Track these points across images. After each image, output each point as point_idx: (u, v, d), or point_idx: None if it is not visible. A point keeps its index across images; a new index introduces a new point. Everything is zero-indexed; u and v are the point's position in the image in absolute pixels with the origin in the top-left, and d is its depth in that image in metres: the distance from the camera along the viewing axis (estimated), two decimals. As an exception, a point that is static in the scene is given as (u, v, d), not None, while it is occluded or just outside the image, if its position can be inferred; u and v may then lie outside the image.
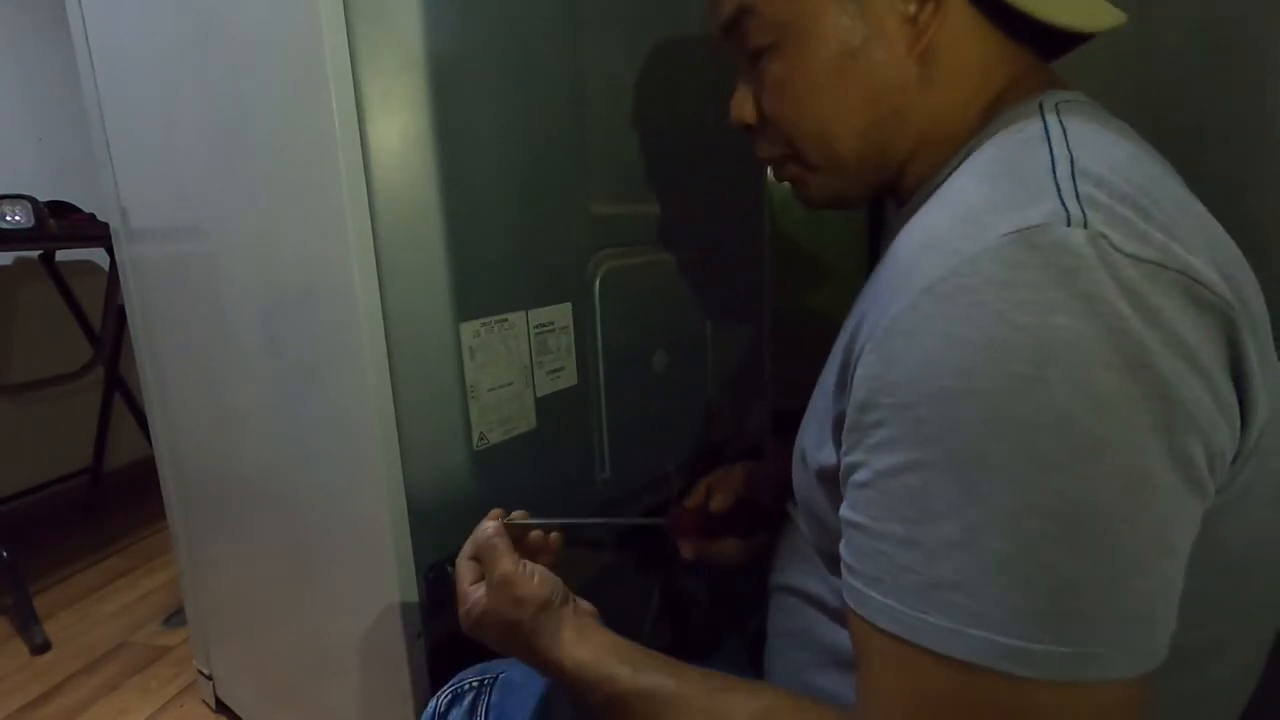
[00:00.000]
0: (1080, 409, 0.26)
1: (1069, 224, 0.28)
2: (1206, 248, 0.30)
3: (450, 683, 0.56)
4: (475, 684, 0.55)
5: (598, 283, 0.79)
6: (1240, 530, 0.32)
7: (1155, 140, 0.38)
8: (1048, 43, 0.42)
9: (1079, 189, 0.29)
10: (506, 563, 0.47)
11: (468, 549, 0.51)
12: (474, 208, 0.65)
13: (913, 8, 0.39)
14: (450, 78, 0.62)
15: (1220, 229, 0.33)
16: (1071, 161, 0.31)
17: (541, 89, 0.71)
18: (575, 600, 0.47)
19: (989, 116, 0.40)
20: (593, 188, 0.78)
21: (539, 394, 0.74)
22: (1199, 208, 0.33)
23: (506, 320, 0.70)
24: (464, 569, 0.51)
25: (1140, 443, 0.26)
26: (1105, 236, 0.27)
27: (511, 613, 0.46)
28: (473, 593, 0.48)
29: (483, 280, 0.67)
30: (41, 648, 1.31)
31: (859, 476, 0.31)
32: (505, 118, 0.67)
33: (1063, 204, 0.29)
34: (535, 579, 0.46)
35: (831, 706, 0.36)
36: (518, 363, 0.71)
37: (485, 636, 0.48)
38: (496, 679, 0.55)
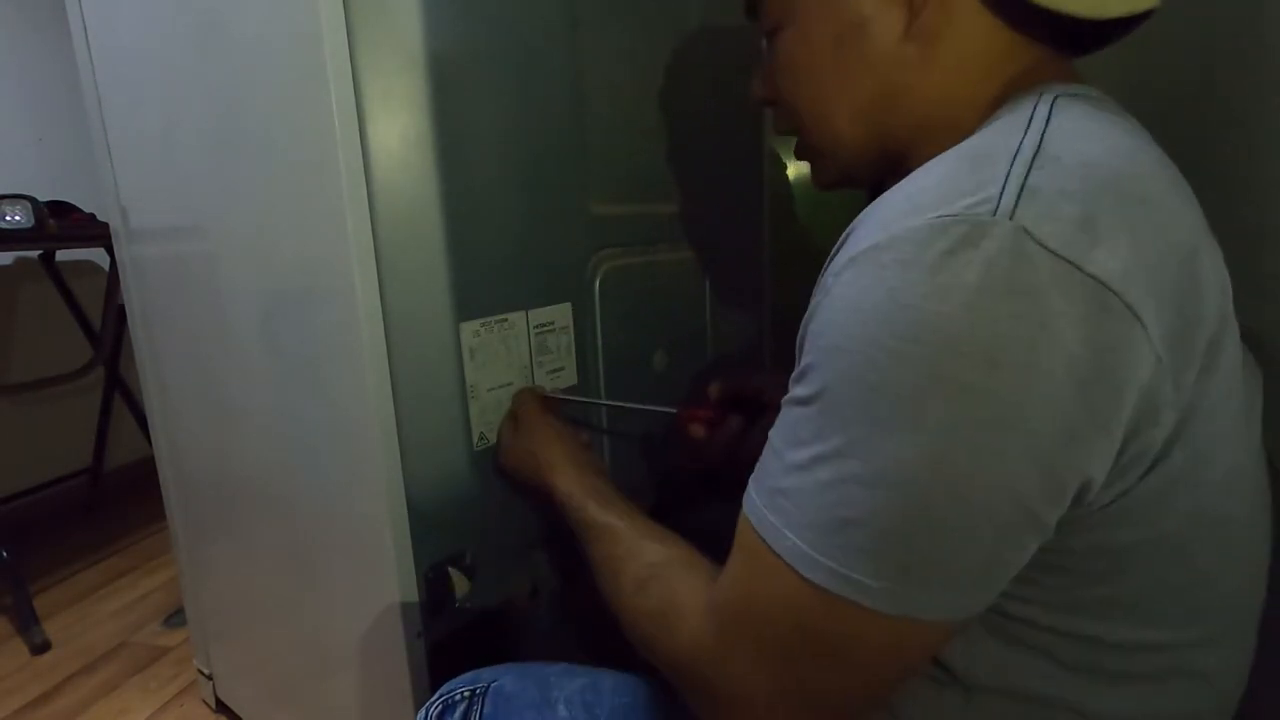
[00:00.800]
0: (917, 386, 0.29)
1: (995, 213, 0.29)
2: (1149, 259, 0.30)
3: (440, 692, 0.55)
4: (467, 694, 0.54)
5: (598, 283, 0.79)
6: (1181, 525, 0.33)
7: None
8: (1068, 36, 0.41)
9: (1029, 178, 0.30)
10: (534, 408, 0.66)
11: (509, 415, 0.69)
12: (474, 208, 0.65)
13: None
14: (450, 78, 0.62)
15: (1184, 237, 0.33)
16: (1038, 148, 0.32)
17: (541, 89, 0.71)
18: (581, 443, 0.61)
19: (996, 107, 0.40)
20: (593, 188, 0.78)
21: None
22: (1163, 214, 0.32)
23: (506, 320, 0.70)
24: (505, 425, 0.68)
25: (962, 432, 0.29)
26: (1027, 231, 0.28)
27: (531, 442, 0.63)
28: (506, 438, 0.67)
29: (483, 280, 0.67)
30: (41, 648, 1.31)
31: (784, 398, 0.36)
32: (505, 118, 0.67)
33: (1001, 191, 0.30)
34: (552, 420, 0.63)
35: (711, 571, 0.41)
36: (518, 363, 0.71)
37: (510, 464, 0.65)
38: (488, 689, 0.54)
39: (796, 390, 0.34)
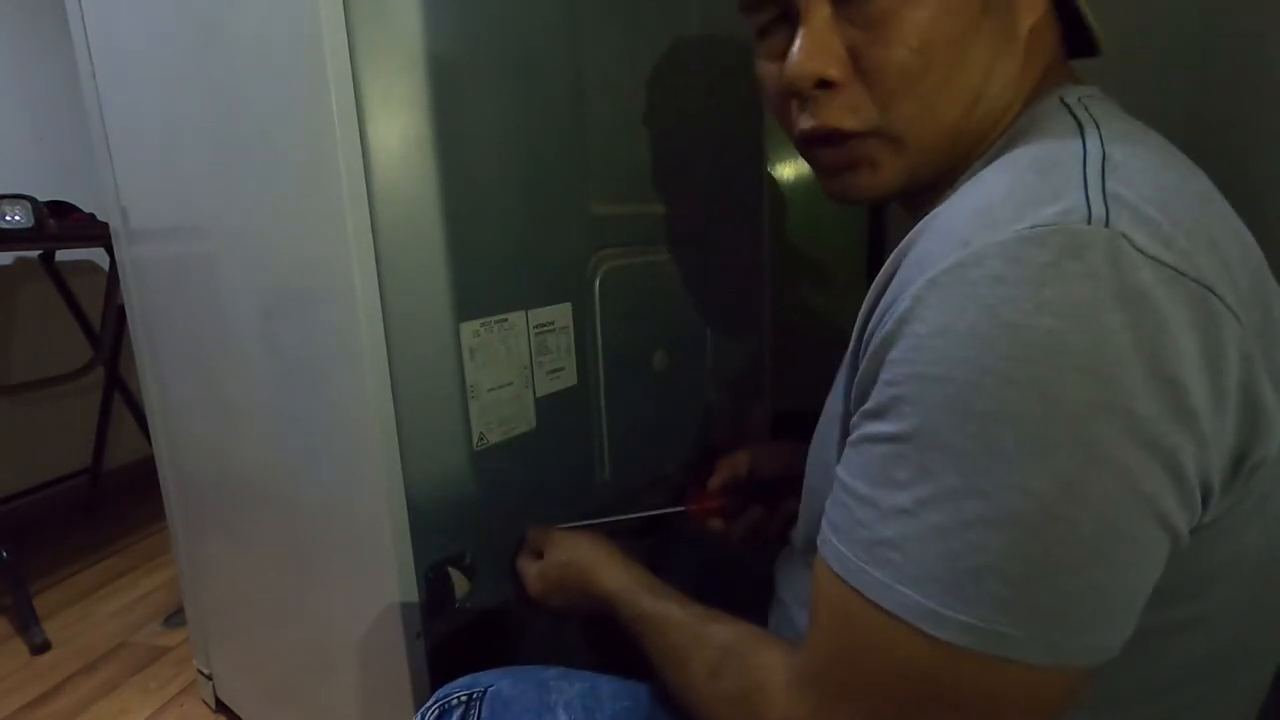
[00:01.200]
0: (1039, 410, 0.27)
1: (1089, 221, 0.27)
2: (1230, 257, 0.29)
3: (435, 697, 0.54)
4: (463, 699, 0.53)
5: (598, 283, 0.79)
6: (1262, 540, 0.32)
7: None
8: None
9: (1107, 185, 0.29)
10: (557, 535, 0.64)
11: (524, 551, 0.68)
12: (474, 208, 0.65)
13: None
14: (450, 78, 0.62)
15: (1245, 233, 0.32)
16: (1103, 157, 0.30)
17: (541, 89, 0.71)
18: (611, 547, 0.59)
19: (1022, 108, 0.39)
20: (593, 188, 0.78)
21: (539, 394, 0.74)
22: (1225, 210, 0.33)
23: (506, 320, 0.70)
24: (525, 565, 0.66)
25: (1093, 453, 0.27)
26: (1126, 237, 0.27)
27: (566, 555, 0.61)
28: (533, 567, 0.64)
29: (483, 280, 0.67)
30: (41, 648, 1.31)
31: (852, 437, 0.34)
32: (505, 118, 0.67)
33: (1087, 199, 0.28)
34: (579, 537, 0.61)
35: (786, 642, 0.39)
36: (517, 363, 0.71)
37: (549, 589, 0.62)
38: (485, 693, 0.53)
39: (881, 426, 0.31)
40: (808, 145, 0.43)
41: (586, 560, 0.58)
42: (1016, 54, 0.38)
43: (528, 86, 0.69)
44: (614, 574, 0.55)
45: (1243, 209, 0.33)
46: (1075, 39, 0.42)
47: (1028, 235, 0.28)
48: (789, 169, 1.21)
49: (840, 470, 0.34)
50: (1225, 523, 0.31)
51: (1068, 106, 0.35)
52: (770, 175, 1.08)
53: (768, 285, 1.10)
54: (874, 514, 0.31)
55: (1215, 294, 0.28)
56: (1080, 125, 0.33)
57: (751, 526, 0.67)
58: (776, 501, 0.68)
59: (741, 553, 0.68)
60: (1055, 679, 0.29)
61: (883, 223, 1.18)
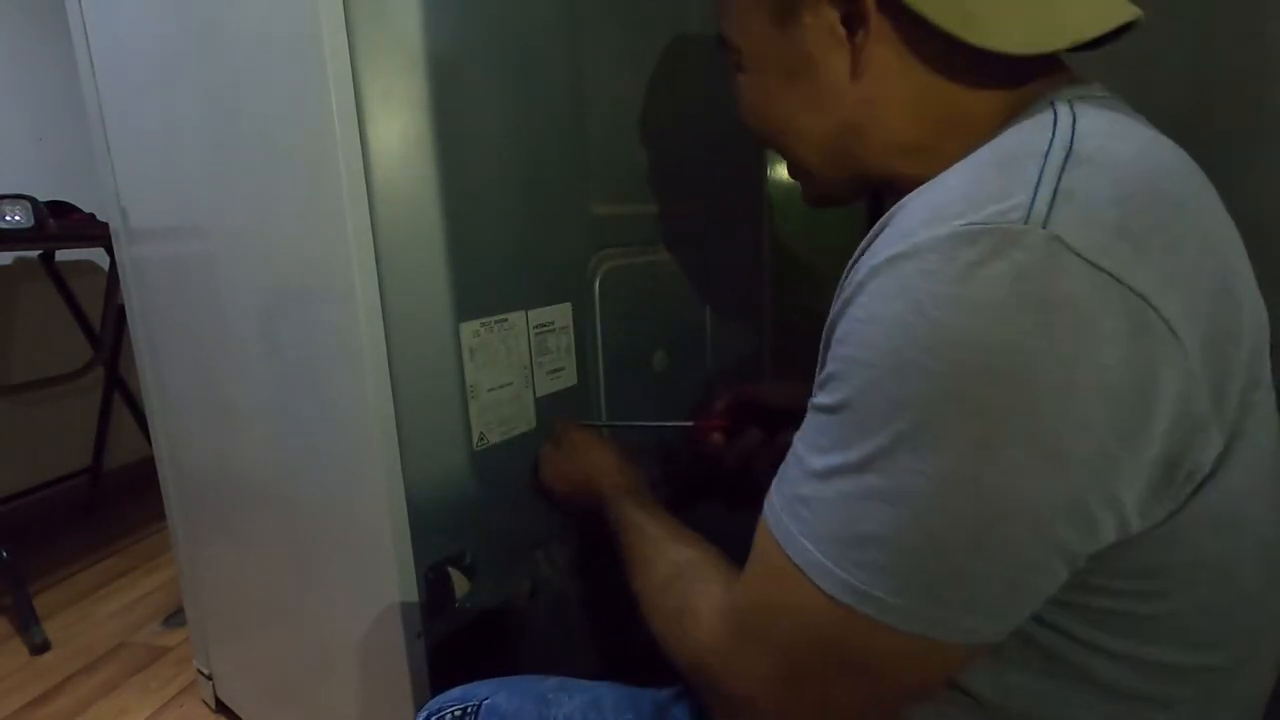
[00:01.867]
0: (944, 403, 0.28)
1: (1027, 220, 0.28)
2: (1192, 263, 0.29)
3: (429, 709, 0.53)
4: (458, 713, 0.52)
5: (598, 283, 0.79)
6: (1222, 547, 0.32)
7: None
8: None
9: (1062, 182, 0.29)
10: (574, 428, 0.71)
11: (548, 439, 0.73)
12: (474, 208, 0.65)
13: (844, 32, 0.40)
14: (450, 78, 0.62)
15: (1225, 239, 0.32)
16: (1069, 151, 0.30)
17: (541, 89, 0.71)
18: (619, 454, 0.64)
19: (1012, 112, 0.39)
20: (593, 188, 0.78)
21: (539, 394, 0.74)
22: (1202, 212, 0.32)
23: (506, 320, 0.70)
24: (544, 451, 0.72)
25: (987, 452, 0.28)
26: (1061, 240, 0.27)
27: (574, 452, 0.68)
28: (550, 455, 0.70)
29: (483, 280, 0.67)
30: (41, 648, 1.31)
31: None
32: (505, 118, 0.67)
33: (1034, 197, 0.28)
34: (593, 435, 0.69)
35: (730, 574, 0.42)
36: (517, 363, 0.71)
37: (557, 477, 0.69)
38: (480, 706, 0.52)
39: (820, 397, 0.34)
40: None
41: (593, 459, 0.65)
42: (899, 95, 0.40)
43: (528, 86, 0.69)
44: (612, 478, 0.61)
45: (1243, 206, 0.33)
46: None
47: (962, 231, 0.28)
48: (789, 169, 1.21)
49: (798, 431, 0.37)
50: (1176, 526, 0.31)
51: (1053, 104, 0.35)
52: (770, 175, 1.08)
53: (768, 285, 1.10)
54: (799, 472, 0.34)
55: (1151, 305, 0.27)
56: (1057, 120, 0.33)
57: (746, 449, 0.69)
58: (776, 431, 0.69)
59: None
60: (922, 647, 0.30)
61: (883, 223, 1.18)
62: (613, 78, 0.79)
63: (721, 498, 0.79)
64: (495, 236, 0.68)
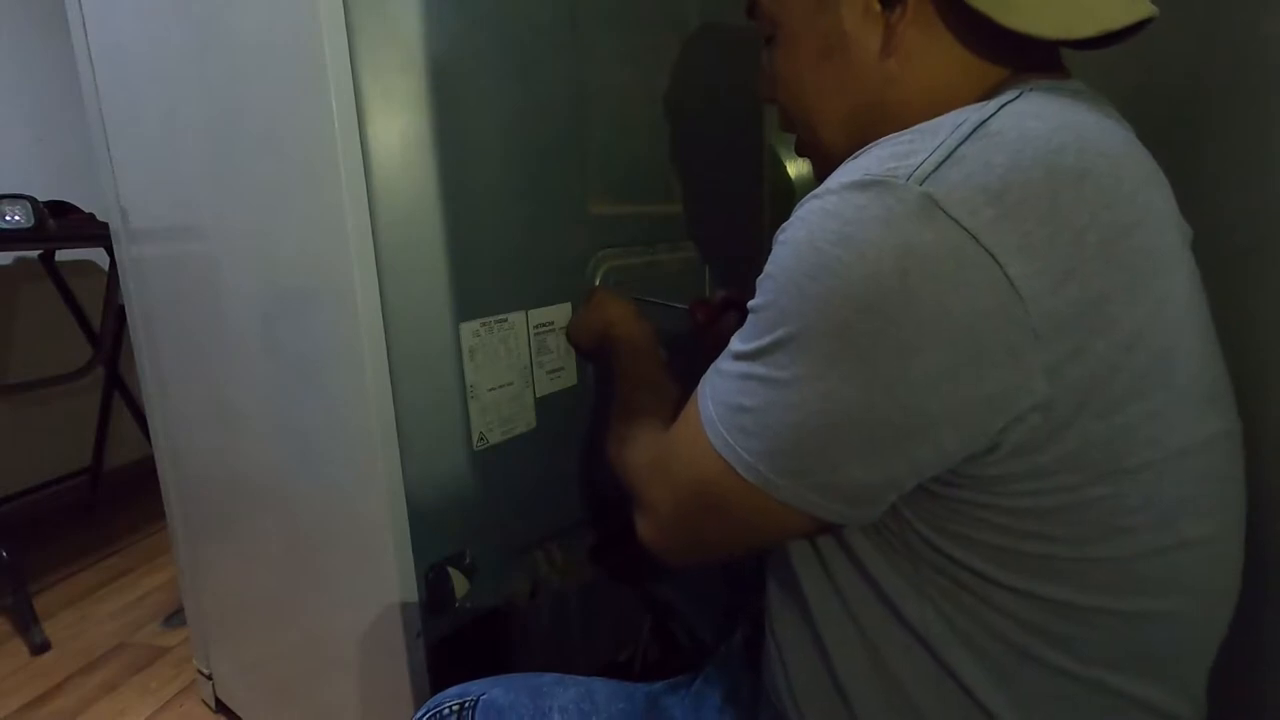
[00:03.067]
0: (812, 319, 0.33)
1: (909, 178, 0.32)
2: (1069, 233, 0.31)
3: (427, 707, 0.54)
4: (455, 708, 0.53)
5: (597, 283, 0.79)
6: (1120, 488, 0.34)
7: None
8: (1047, 48, 0.40)
9: (960, 147, 0.32)
10: (602, 292, 0.76)
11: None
12: (474, 208, 0.65)
13: (880, 9, 0.42)
14: (450, 78, 0.62)
15: (1137, 224, 0.33)
16: (980, 124, 0.33)
17: (541, 89, 0.71)
18: (638, 317, 0.70)
19: (986, 95, 0.40)
20: (593, 188, 0.78)
21: (538, 394, 0.74)
22: (1119, 197, 0.33)
23: (506, 320, 0.70)
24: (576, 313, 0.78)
25: (838, 365, 0.33)
26: (931, 196, 0.31)
27: (600, 306, 0.73)
28: (581, 307, 0.77)
29: (483, 280, 0.67)
30: (41, 648, 1.31)
31: None
32: (505, 118, 0.67)
33: (925, 159, 0.32)
34: (619, 300, 0.73)
35: (659, 430, 0.49)
36: (517, 363, 0.71)
37: (582, 328, 0.75)
38: (477, 702, 0.53)
39: (754, 301, 0.40)
40: None
41: (609, 313, 0.71)
42: (885, 83, 0.43)
43: (527, 86, 0.69)
44: (623, 328, 0.69)
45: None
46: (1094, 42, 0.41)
47: (860, 181, 0.33)
48: (789, 168, 1.21)
49: None
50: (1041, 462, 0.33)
51: (1020, 90, 0.37)
52: (770, 174, 1.08)
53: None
54: (726, 353, 0.40)
55: (999, 263, 0.30)
56: (1002, 101, 0.35)
57: (723, 332, 0.71)
58: None
59: None
60: (765, 502, 0.37)
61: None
62: (613, 78, 0.79)
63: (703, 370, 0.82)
64: (495, 236, 0.68)
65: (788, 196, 1.18)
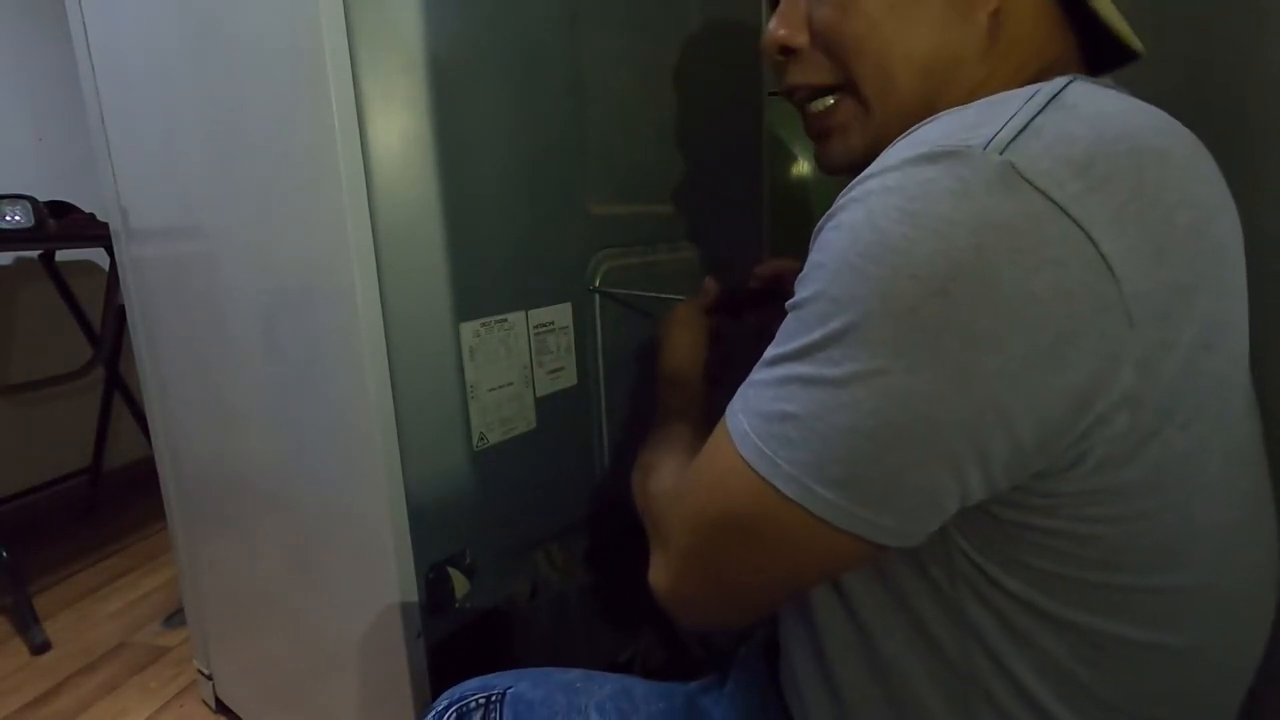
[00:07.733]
0: (874, 305, 0.29)
1: (986, 147, 0.28)
2: (1157, 212, 0.28)
3: (450, 698, 0.52)
4: (482, 700, 0.51)
5: (598, 283, 0.79)
6: (1174, 512, 0.32)
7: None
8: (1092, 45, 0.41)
9: (1037, 117, 0.29)
10: (689, 309, 0.66)
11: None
12: (474, 208, 0.65)
13: None
14: (450, 78, 0.62)
15: (1219, 210, 0.32)
16: (1054, 97, 0.31)
17: (541, 89, 0.71)
18: (702, 343, 0.63)
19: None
20: (593, 188, 0.78)
21: (539, 394, 0.74)
22: (1200, 181, 0.31)
23: (506, 320, 0.70)
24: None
25: (904, 356, 0.29)
26: (1014, 165, 0.28)
27: (663, 331, 0.65)
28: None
29: (483, 280, 0.67)
30: (41, 648, 1.31)
31: None
32: (505, 118, 0.67)
33: (1002, 128, 0.29)
34: (694, 321, 0.65)
35: (686, 460, 0.45)
36: (517, 363, 0.71)
37: (664, 334, 0.66)
38: (504, 695, 0.51)
39: (795, 298, 0.35)
40: (801, 112, 0.47)
41: (671, 337, 0.64)
42: (974, 35, 0.39)
43: (528, 87, 0.69)
44: (671, 361, 0.62)
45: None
46: (1106, 50, 0.41)
47: (925, 154, 0.30)
48: (789, 168, 1.21)
49: None
50: (1104, 484, 0.30)
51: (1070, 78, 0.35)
52: (770, 174, 1.08)
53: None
54: (762, 361, 0.35)
55: (1091, 238, 0.27)
56: (1056, 81, 0.33)
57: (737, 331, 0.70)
58: (769, 317, 0.68)
59: None
60: (806, 525, 0.32)
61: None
62: (613, 78, 0.79)
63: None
64: (495, 236, 0.68)
65: (788, 196, 1.18)
